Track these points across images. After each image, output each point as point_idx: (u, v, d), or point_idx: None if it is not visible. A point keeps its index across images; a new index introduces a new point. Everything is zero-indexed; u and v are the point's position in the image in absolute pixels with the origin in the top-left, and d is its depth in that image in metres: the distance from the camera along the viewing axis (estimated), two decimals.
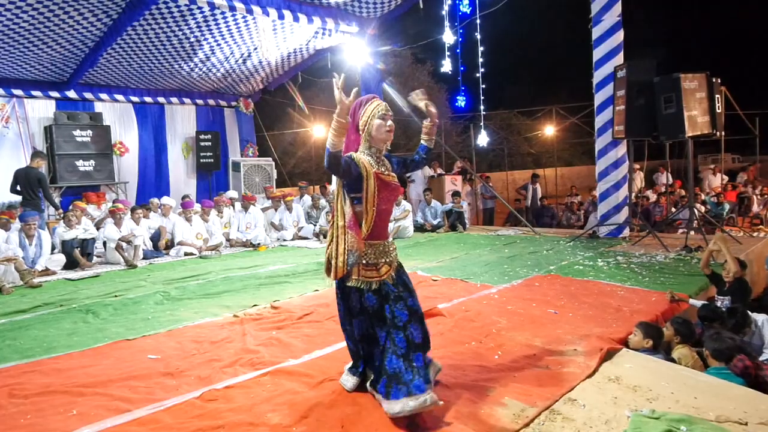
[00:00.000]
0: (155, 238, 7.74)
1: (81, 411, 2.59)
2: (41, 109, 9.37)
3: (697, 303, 4.01)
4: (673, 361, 3.18)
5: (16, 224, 6.42)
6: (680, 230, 8.58)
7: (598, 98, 7.63)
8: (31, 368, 3.20)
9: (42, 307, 4.73)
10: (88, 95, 9.79)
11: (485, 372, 2.89)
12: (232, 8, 7.29)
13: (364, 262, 2.50)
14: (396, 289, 2.49)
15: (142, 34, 8.10)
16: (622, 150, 7.54)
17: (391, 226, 2.74)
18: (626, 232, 7.66)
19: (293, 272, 5.98)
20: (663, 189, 11.71)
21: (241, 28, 8.57)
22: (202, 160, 11.14)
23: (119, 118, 10.30)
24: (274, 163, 11.71)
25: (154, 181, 10.74)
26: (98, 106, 9.96)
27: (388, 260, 2.53)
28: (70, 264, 6.71)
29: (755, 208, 11.55)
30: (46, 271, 6.39)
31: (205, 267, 6.52)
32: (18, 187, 7.41)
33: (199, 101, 11.41)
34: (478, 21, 8.50)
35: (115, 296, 5.07)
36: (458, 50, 8.69)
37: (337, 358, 3.10)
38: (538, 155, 20.99)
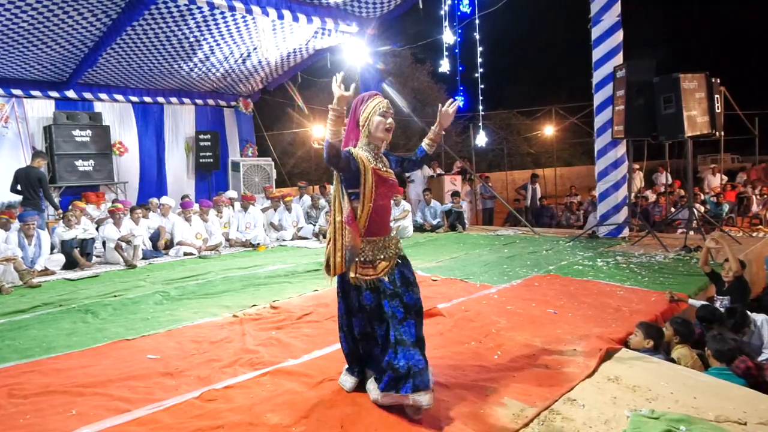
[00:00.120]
0: (154, 238, 7.74)
1: (80, 411, 2.59)
2: (41, 109, 9.37)
3: (697, 303, 4.01)
4: (672, 361, 3.18)
5: (16, 224, 6.42)
6: (680, 230, 8.59)
7: (598, 98, 7.63)
8: (31, 368, 3.20)
9: (41, 307, 4.72)
10: (88, 95, 9.78)
11: (485, 372, 2.89)
12: (232, 8, 7.29)
13: (361, 259, 2.50)
14: (391, 286, 2.47)
15: (141, 34, 8.09)
16: (621, 150, 7.55)
17: (390, 225, 2.73)
18: (626, 232, 7.66)
19: (293, 272, 5.97)
20: (662, 189, 11.71)
21: (241, 28, 8.57)
22: (201, 160, 11.14)
23: (119, 118, 10.30)
24: (273, 163, 11.70)
25: (153, 181, 10.73)
26: (98, 106, 9.96)
27: (387, 256, 2.52)
28: (70, 264, 6.70)
29: (754, 208, 11.56)
30: (46, 271, 6.38)
31: (205, 267, 6.51)
32: (18, 187, 7.41)
33: (199, 101, 11.41)
34: (477, 21, 8.50)
35: (115, 296, 5.07)
36: (456, 50, 8.69)
37: (336, 358, 3.09)
38: (537, 155, 21.00)
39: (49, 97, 9.39)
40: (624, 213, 7.61)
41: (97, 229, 7.34)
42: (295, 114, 14.87)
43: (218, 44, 8.95)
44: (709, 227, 7.86)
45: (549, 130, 17.30)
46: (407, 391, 2.33)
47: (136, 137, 10.56)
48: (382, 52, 9.96)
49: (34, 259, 6.31)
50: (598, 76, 7.59)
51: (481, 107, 9.34)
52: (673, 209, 9.95)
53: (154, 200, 8.81)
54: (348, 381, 2.69)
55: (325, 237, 8.28)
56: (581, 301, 4.31)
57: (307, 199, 9.85)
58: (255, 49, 9.32)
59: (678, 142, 7.77)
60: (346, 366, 2.76)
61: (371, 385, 2.57)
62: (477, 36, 8.61)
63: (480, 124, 9.65)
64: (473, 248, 7.30)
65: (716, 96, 6.66)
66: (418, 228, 9.33)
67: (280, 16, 7.76)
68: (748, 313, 3.68)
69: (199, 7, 7.41)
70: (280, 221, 8.92)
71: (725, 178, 13.34)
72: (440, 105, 2.76)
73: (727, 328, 3.52)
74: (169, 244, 7.82)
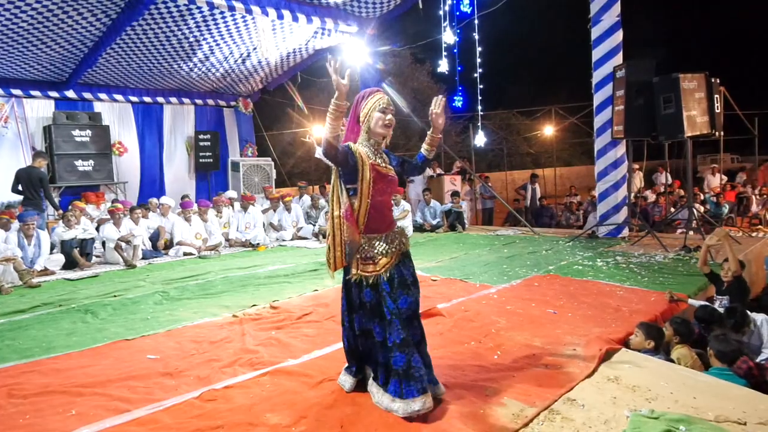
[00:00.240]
0: (154, 238, 7.74)
1: (80, 411, 2.59)
2: (40, 109, 9.36)
3: (696, 303, 4.01)
4: (672, 361, 3.18)
5: (16, 224, 6.42)
6: (679, 230, 8.59)
7: (598, 98, 7.63)
8: (30, 368, 3.20)
9: (41, 307, 4.72)
10: (87, 95, 9.78)
11: (484, 372, 2.89)
12: (231, 8, 7.28)
13: (361, 255, 2.50)
14: (389, 287, 2.47)
15: (141, 33, 8.09)
16: (621, 150, 7.55)
17: (394, 220, 2.73)
18: (625, 232, 7.66)
19: (292, 272, 5.98)
20: (662, 189, 11.71)
21: (240, 28, 8.57)
22: (201, 160, 11.14)
23: (118, 118, 10.29)
24: (273, 163, 11.70)
25: (153, 181, 10.72)
26: (97, 106, 9.95)
27: (389, 252, 2.51)
28: (69, 264, 6.70)
29: (754, 208, 11.57)
30: (45, 271, 6.38)
31: (204, 267, 6.51)
32: (20, 187, 7.41)
33: (199, 101, 11.40)
34: (476, 21, 8.50)
35: (114, 296, 5.07)
36: (455, 50, 8.69)
37: (336, 358, 3.10)
38: (537, 155, 21.01)
39: (49, 97, 9.38)
40: (624, 213, 7.61)
41: (97, 229, 7.35)
42: (294, 114, 14.87)
43: (218, 44, 8.95)
44: (708, 227, 7.86)
45: (549, 130, 17.30)
46: (413, 395, 2.36)
47: (136, 137, 10.55)
48: (381, 52, 9.97)
49: (33, 259, 6.31)
50: (597, 76, 7.59)
51: (480, 107, 9.34)
52: (672, 209, 9.96)
53: (154, 200, 8.81)
54: (347, 381, 2.69)
55: (324, 237, 8.31)
56: (581, 301, 4.31)
57: (306, 199, 9.86)
58: (255, 49, 9.32)
59: (678, 142, 7.78)
60: (345, 366, 2.76)
61: (374, 388, 2.58)
62: (476, 36, 8.61)
63: (479, 124, 9.65)
64: (473, 248, 7.30)
65: (716, 96, 6.66)
66: (418, 228, 9.33)
67: (280, 16, 7.75)
68: (748, 312, 3.68)
69: (198, 7, 7.40)
70: (279, 221, 8.92)
71: (725, 178, 13.34)
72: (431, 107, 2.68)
73: (727, 327, 3.52)
74: (169, 244, 7.82)
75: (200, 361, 3.23)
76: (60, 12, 6.94)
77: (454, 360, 3.06)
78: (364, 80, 9.43)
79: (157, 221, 8.10)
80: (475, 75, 8.95)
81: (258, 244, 8.07)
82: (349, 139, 2.60)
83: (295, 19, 7.96)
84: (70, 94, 9.53)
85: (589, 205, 10.93)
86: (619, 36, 7.38)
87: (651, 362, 3.00)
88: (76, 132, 9.24)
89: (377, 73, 9.56)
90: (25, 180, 7.37)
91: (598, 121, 7.64)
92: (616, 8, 7.31)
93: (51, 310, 4.62)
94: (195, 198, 10.36)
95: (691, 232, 7.25)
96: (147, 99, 10.59)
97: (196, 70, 9.88)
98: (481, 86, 9.08)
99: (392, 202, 2.73)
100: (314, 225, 8.94)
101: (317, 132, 14.35)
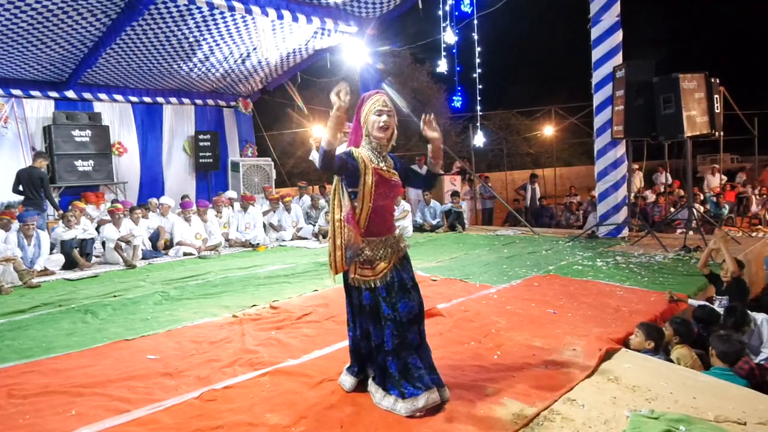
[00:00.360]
0: (154, 238, 7.74)
1: (80, 411, 2.59)
2: (40, 109, 9.36)
3: (696, 303, 4.01)
4: (672, 361, 3.18)
5: (16, 224, 6.41)
6: (679, 230, 8.60)
7: (597, 98, 7.63)
8: (30, 368, 3.20)
9: (41, 308, 4.72)
10: (87, 95, 9.77)
11: (484, 372, 2.89)
12: (231, 8, 7.29)
13: (360, 259, 2.50)
14: (386, 292, 2.48)
15: (141, 34, 8.09)
16: (621, 150, 7.55)
17: (394, 225, 2.73)
18: (625, 232, 7.66)
19: (292, 272, 5.97)
20: (662, 189, 11.72)
21: (240, 29, 8.57)
22: (201, 160, 11.14)
23: (118, 118, 10.29)
24: (273, 163, 11.70)
25: (152, 182, 10.72)
26: (97, 106, 9.95)
27: (386, 256, 2.51)
28: (69, 264, 6.70)
29: (754, 208, 11.58)
30: (45, 272, 6.38)
31: (204, 267, 6.51)
32: (20, 187, 7.41)
33: (198, 101, 11.40)
34: (475, 21, 8.50)
35: (114, 296, 5.07)
36: (454, 50, 8.70)
37: (336, 359, 3.10)
38: (537, 155, 21.01)
39: (49, 97, 9.38)
40: (623, 213, 7.61)
41: (97, 229, 7.34)
42: (294, 114, 14.88)
43: (218, 44, 8.95)
44: (708, 227, 7.87)
45: (548, 130, 17.31)
46: (414, 393, 2.37)
47: (136, 137, 10.55)
48: (381, 52, 9.96)
49: (33, 259, 6.31)
50: (597, 76, 7.59)
51: (479, 107, 9.34)
52: (672, 209, 9.96)
53: (154, 200, 8.81)
54: (347, 381, 2.69)
55: (324, 237, 8.32)
56: (581, 301, 4.31)
57: (306, 199, 9.86)
58: (255, 49, 9.32)
59: (677, 142, 7.78)
60: (347, 365, 2.76)
61: (374, 388, 2.58)
62: (475, 36, 8.62)
63: (478, 124, 9.65)
64: (473, 248, 7.30)
65: (716, 96, 6.66)
66: (418, 228, 9.33)
67: (280, 17, 7.76)
68: (748, 312, 3.68)
69: (198, 8, 7.40)
70: (279, 221, 8.92)
71: (725, 178, 13.35)
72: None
73: (727, 327, 3.52)
74: (169, 245, 7.82)
75: (200, 361, 3.23)
76: (60, 12, 6.94)
77: (454, 360, 3.06)
78: (364, 80, 9.44)
79: (156, 221, 8.10)
80: (474, 75, 8.96)
81: (258, 244, 8.07)
82: (353, 142, 2.60)
83: (295, 19, 7.96)
84: (70, 94, 9.53)
85: (589, 205, 10.94)
86: (618, 36, 7.38)
87: (651, 362, 3.00)
88: (75, 132, 9.24)
89: (377, 73, 9.56)
90: (26, 180, 7.37)
91: (598, 121, 7.64)
92: (616, 8, 7.31)
93: (51, 311, 4.62)
94: (195, 198, 10.35)
95: (690, 232, 7.25)
96: (147, 99, 10.59)
97: (196, 70, 9.88)
98: (481, 86, 9.09)
99: (393, 203, 2.72)
100: (314, 225, 8.94)
101: (317, 133, 14.37)
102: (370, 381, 2.63)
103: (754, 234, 8.07)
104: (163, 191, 10.39)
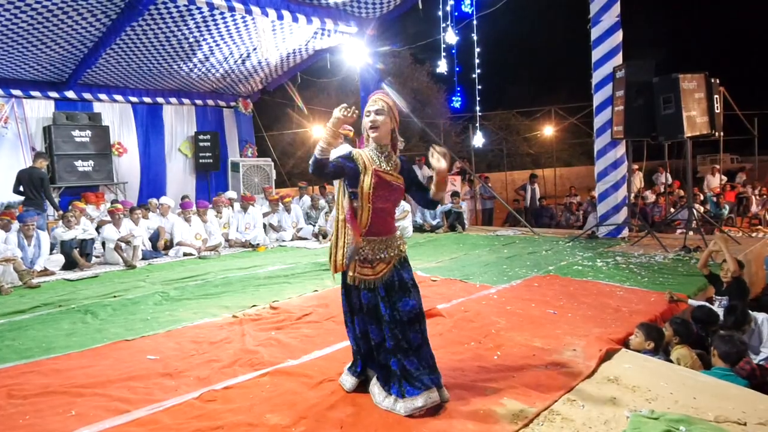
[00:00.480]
0: (154, 238, 7.74)
1: (80, 411, 2.59)
2: (40, 109, 9.36)
3: (696, 303, 4.01)
4: (671, 361, 3.18)
5: (16, 225, 6.41)
6: (679, 230, 8.59)
7: (597, 99, 7.63)
8: (30, 369, 3.20)
9: (41, 308, 4.72)
10: (87, 95, 9.78)
11: (484, 372, 2.89)
12: (231, 9, 7.29)
13: (360, 258, 2.51)
14: (385, 292, 2.49)
15: (141, 34, 8.09)
16: (621, 150, 7.55)
17: (395, 226, 2.74)
18: (625, 232, 7.66)
19: (292, 273, 5.96)
20: (662, 189, 11.72)
21: (240, 29, 8.57)
22: (201, 161, 11.14)
23: (118, 119, 10.30)
24: (273, 164, 11.69)
25: (152, 182, 10.72)
26: (97, 107, 9.95)
27: (386, 257, 2.52)
28: (69, 264, 6.70)
29: (754, 208, 11.58)
30: (45, 272, 6.38)
31: (204, 267, 6.51)
32: (21, 188, 7.41)
33: (198, 101, 11.41)
34: (475, 21, 8.50)
35: (114, 297, 5.07)
36: (453, 51, 8.70)
37: (336, 359, 3.10)
38: (537, 155, 21.03)
39: (49, 98, 9.38)
40: (623, 213, 7.61)
41: (97, 229, 7.34)
42: (294, 114, 14.88)
43: (218, 45, 8.95)
44: (708, 227, 7.87)
45: (548, 131, 17.32)
46: (414, 393, 2.38)
47: (136, 137, 10.55)
48: (381, 52, 9.96)
49: (33, 259, 6.31)
50: (597, 76, 7.59)
51: (478, 107, 9.34)
52: (672, 209, 9.96)
53: (154, 200, 8.81)
54: (348, 381, 2.69)
55: (324, 237, 8.31)
56: (581, 301, 4.31)
57: (306, 199, 9.85)
58: (255, 49, 9.33)
59: (677, 142, 7.78)
60: (348, 365, 2.77)
61: (375, 388, 2.58)
62: (475, 36, 8.62)
63: (478, 124, 9.65)
64: (473, 249, 7.30)
65: (716, 96, 6.66)
66: (418, 228, 9.33)
67: (280, 17, 7.76)
68: (749, 311, 3.68)
69: (198, 8, 7.41)
70: (279, 222, 8.92)
71: (725, 178, 13.35)
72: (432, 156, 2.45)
73: (727, 325, 3.52)
74: (169, 245, 7.81)
75: (200, 361, 3.23)
76: (60, 12, 6.94)
77: (454, 360, 3.06)
78: (364, 81, 9.44)
79: (156, 222, 8.10)
80: (474, 75, 8.96)
81: (258, 244, 8.07)
82: (363, 143, 2.64)
83: (295, 19, 7.97)
84: (70, 94, 9.53)
85: (589, 205, 10.94)
86: (618, 36, 7.39)
87: (651, 362, 3.01)
88: (75, 132, 9.23)
89: (377, 73, 9.56)
90: (27, 181, 7.37)
91: (598, 121, 7.64)
92: (616, 8, 7.31)
93: (51, 311, 4.62)
94: (195, 198, 10.35)
95: (690, 233, 7.24)
96: (147, 99, 10.60)
97: (195, 70, 9.88)
98: (480, 87, 9.09)
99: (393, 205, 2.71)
100: (314, 225, 8.93)
101: (317, 133, 14.37)
102: (372, 381, 2.63)
103: (754, 234, 8.07)
104: (163, 191, 10.38)
